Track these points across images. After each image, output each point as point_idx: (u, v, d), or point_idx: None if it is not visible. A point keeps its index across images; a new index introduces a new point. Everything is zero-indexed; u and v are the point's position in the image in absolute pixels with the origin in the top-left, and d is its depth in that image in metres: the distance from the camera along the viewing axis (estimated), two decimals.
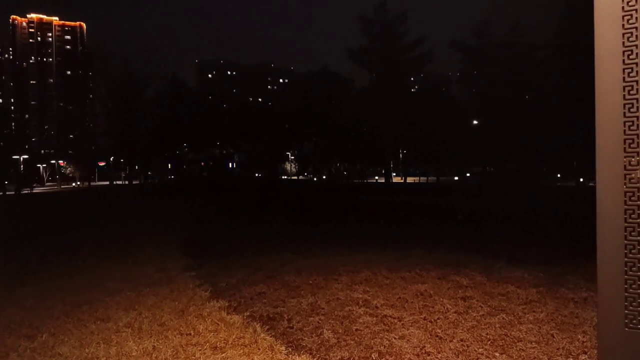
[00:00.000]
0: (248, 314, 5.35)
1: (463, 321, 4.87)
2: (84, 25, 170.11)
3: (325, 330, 4.72)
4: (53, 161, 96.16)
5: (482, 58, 45.63)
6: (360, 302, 5.64)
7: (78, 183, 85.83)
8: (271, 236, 12.04)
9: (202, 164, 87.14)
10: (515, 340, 4.29)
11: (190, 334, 4.69)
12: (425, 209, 20.54)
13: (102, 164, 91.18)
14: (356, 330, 4.71)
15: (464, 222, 15.37)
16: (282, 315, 5.29)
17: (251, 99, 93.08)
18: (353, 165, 70.47)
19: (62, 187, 75.48)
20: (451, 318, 4.98)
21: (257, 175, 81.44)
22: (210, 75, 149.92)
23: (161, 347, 4.36)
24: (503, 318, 4.91)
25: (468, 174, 66.76)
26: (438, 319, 4.97)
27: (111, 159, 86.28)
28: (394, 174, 68.44)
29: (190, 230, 14.10)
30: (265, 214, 19.54)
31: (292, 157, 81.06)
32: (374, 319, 5.03)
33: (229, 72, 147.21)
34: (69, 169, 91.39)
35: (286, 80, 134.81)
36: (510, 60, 42.56)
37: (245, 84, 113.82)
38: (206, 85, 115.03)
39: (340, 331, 4.69)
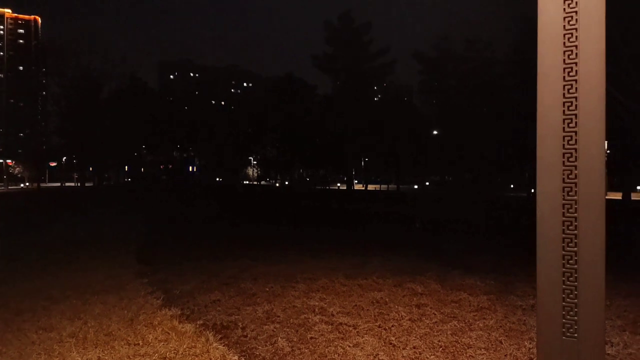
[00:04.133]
0: (201, 322, 5.21)
1: (416, 328, 4.94)
2: (39, 20, 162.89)
3: (279, 338, 4.66)
4: (0, 160, 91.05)
5: (442, 70, 47.03)
6: (316, 310, 5.62)
7: (27, 184, 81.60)
8: (229, 241, 11.83)
9: (162, 167, 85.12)
10: (466, 347, 4.39)
11: (138, 344, 4.51)
12: (386, 216, 20.82)
13: (53, 164, 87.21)
14: (311, 338, 4.68)
15: (422, 229, 15.69)
16: (236, 323, 5.18)
17: (214, 102, 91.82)
18: (316, 171, 70.79)
19: (9, 187, 71.49)
20: (405, 325, 5.04)
21: (217, 179, 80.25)
22: (172, 77, 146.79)
23: (107, 358, 4.17)
24: (455, 325, 5.02)
25: (427, 183, 68.48)
26: (392, 326, 5.01)
27: (63, 160, 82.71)
28: (356, 182, 69.23)
29: (145, 234, 13.65)
30: (224, 218, 19.23)
31: (255, 162, 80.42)
32: (330, 326, 5.01)
33: (192, 74, 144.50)
34: (17, 168, 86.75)
35: (251, 85, 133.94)
36: (468, 73, 44.10)
37: (208, 87, 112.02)
38: (168, 87, 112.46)
39: (294, 339, 4.65)
